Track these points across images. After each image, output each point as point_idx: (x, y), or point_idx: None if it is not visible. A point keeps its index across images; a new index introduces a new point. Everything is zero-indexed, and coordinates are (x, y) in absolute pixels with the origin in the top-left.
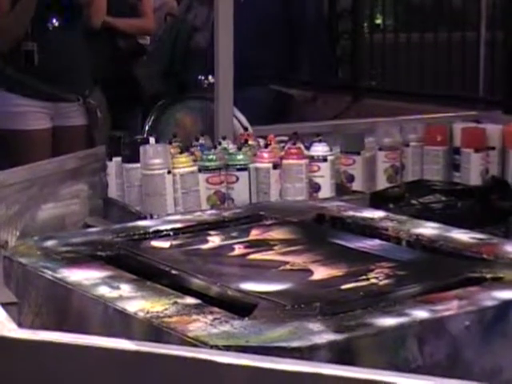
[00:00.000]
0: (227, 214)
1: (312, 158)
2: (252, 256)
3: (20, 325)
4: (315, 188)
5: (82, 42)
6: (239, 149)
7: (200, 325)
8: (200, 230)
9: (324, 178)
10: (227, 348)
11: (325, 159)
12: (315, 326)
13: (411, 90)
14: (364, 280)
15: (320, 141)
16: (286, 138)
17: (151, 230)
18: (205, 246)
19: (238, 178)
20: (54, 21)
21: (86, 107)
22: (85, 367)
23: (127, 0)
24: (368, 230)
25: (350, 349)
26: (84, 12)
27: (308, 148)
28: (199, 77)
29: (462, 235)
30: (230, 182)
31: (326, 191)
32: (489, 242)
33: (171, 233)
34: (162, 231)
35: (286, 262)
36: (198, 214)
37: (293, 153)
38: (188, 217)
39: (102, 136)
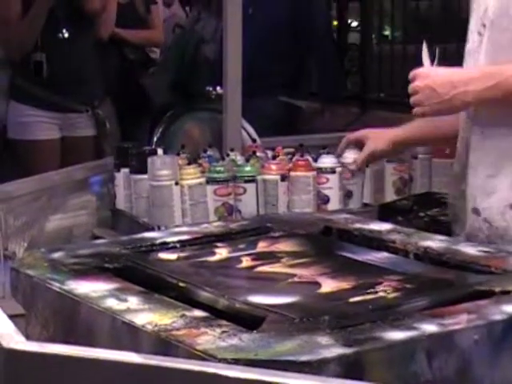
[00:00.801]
0: (234, 225)
1: (320, 170)
2: (259, 268)
3: (27, 337)
4: (324, 200)
5: (91, 53)
6: (247, 160)
7: (208, 338)
8: (207, 242)
9: (333, 189)
10: (236, 361)
11: (333, 171)
12: (324, 339)
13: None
14: (372, 293)
15: (328, 153)
16: (293, 150)
17: (158, 241)
18: (212, 259)
19: (245, 190)
20: (64, 32)
21: (94, 118)
22: (92, 380)
23: (137, 12)
24: (375, 242)
25: (359, 363)
26: (94, 23)
27: (316, 160)
28: (207, 88)
29: (469, 248)
30: (237, 194)
31: (334, 203)
32: (497, 255)
33: (178, 245)
34: (168, 243)
35: (294, 275)
36: (205, 225)
37: (300, 165)
38: (195, 229)
39: (111, 147)
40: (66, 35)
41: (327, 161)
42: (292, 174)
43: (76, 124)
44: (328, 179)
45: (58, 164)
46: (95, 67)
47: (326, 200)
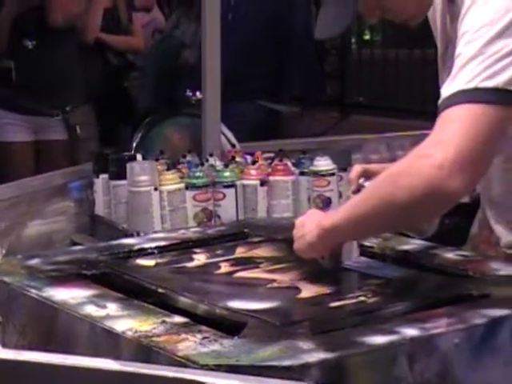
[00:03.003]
0: (212, 231)
1: (319, 173)
2: (238, 274)
3: (4, 345)
4: (326, 203)
5: (62, 60)
6: (226, 166)
7: (189, 344)
8: (185, 247)
9: (334, 191)
10: (218, 367)
11: (333, 173)
12: (305, 344)
13: (399, 105)
14: (352, 298)
15: (323, 155)
16: (272, 155)
17: (136, 247)
18: (190, 264)
19: (225, 195)
20: (31, 40)
21: (65, 123)
22: None
23: (119, 18)
24: None
25: (340, 367)
26: (66, 31)
27: (296, 165)
28: (187, 93)
29: (447, 253)
30: (217, 199)
31: (335, 205)
32: (475, 259)
33: (156, 251)
34: (146, 249)
35: (273, 280)
36: (183, 231)
37: (280, 169)
38: (173, 234)
39: (85, 152)
40: (35, 43)
41: (324, 163)
42: (271, 178)
43: (48, 128)
44: (329, 182)
45: (33, 167)
46: (70, 73)
47: (328, 202)
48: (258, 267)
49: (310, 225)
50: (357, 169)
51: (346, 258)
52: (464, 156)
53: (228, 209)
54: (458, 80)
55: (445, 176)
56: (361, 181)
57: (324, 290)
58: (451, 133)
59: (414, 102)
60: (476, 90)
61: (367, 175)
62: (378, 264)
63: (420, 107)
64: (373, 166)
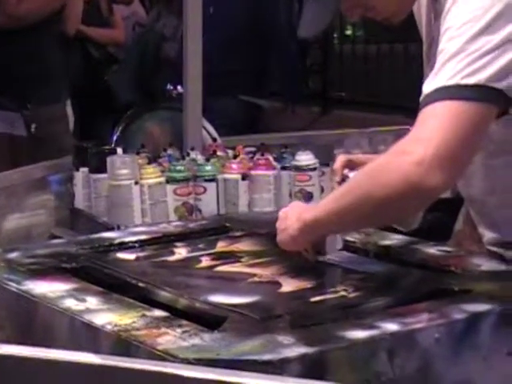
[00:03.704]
0: (193, 225)
1: (300, 168)
2: (219, 268)
3: None
4: (307, 197)
5: (25, 55)
6: (207, 160)
7: (169, 338)
8: (166, 241)
9: (315, 186)
10: (198, 361)
11: (314, 168)
12: (286, 338)
13: (381, 101)
14: (333, 292)
15: (304, 150)
16: (254, 149)
17: (117, 241)
18: (171, 258)
19: (205, 189)
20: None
21: (24, 118)
22: (50, 382)
23: (100, 11)
24: None
25: (321, 362)
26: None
27: (277, 159)
28: (168, 87)
29: (429, 248)
30: (198, 194)
31: (317, 200)
32: (456, 254)
33: (137, 245)
34: (127, 243)
35: (254, 274)
36: (164, 225)
37: (261, 164)
38: (153, 228)
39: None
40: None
41: (306, 158)
42: (253, 173)
43: (11, 122)
44: (310, 176)
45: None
46: (38, 67)
47: (310, 197)
48: (238, 261)
49: (292, 218)
50: (341, 159)
51: (329, 250)
52: (443, 153)
53: (209, 203)
54: (439, 76)
55: (423, 172)
56: (345, 171)
57: (305, 284)
58: (431, 129)
59: (397, 97)
60: (457, 86)
61: (351, 166)
62: (360, 259)
63: (402, 102)
64: (357, 157)
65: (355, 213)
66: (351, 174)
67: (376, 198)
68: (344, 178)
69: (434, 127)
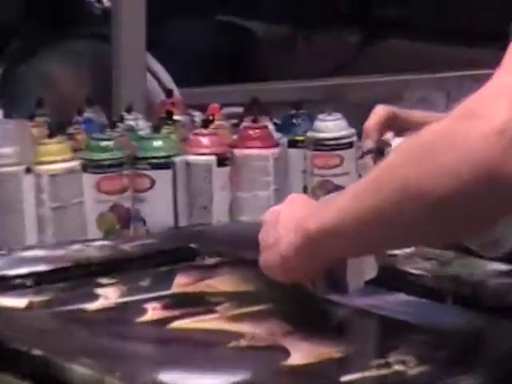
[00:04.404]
0: (131, 246)
1: (321, 145)
2: (178, 323)
3: None
4: None
5: None
6: (156, 129)
7: None
8: (83, 275)
9: (349, 176)
10: None
11: (349, 144)
12: None
13: (456, 26)
14: (381, 367)
15: (330, 113)
16: (241, 110)
17: None
18: (92, 306)
19: (153, 183)
20: None
21: None
22: None
23: None
24: (386, 274)
25: None
26: None
27: (280, 128)
28: None
29: None
30: (139, 190)
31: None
32: None
33: (30, 281)
34: (14, 278)
35: (241, 335)
36: (78, 247)
37: (253, 136)
38: (59, 252)
39: None
40: None
41: (334, 126)
42: (238, 153)
43: None
44: (342, 159)
45: None
46: None
47: None
48: (213, 311)
49: (286, 224)
50: (379, 113)
51: (353, 284)
52: None
53: (159, 207)
54: None
55: (508, 148)
56: (388, 135)
57: (329, 351)
58: None
59: (481, 21)
60: None
61: (397, 126)
62: (431, 306)
63: (491, 30)
64: (408, 113)
65: (392, 220)
66: (396, 141)
67: (428, 194)
68: (381, 149)
69: None
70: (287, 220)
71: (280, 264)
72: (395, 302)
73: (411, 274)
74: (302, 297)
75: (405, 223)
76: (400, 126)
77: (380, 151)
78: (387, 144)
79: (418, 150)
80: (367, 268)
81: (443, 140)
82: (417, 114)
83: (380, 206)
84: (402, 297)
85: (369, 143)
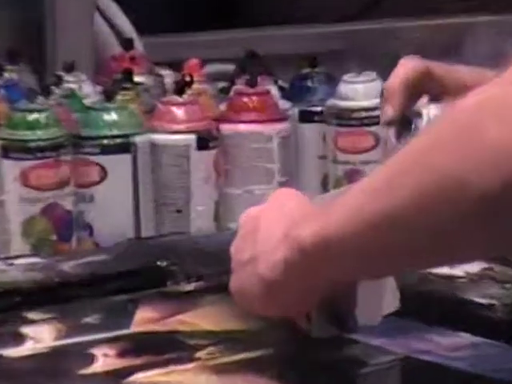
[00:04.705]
0: (73, 266)
1: (347, 118)
2: (140, 376)
3: None
4: None
5: None
6: (109, 97)
7: None
8: (4, 307)
9: None
10: None
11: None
12: None
13: None
14: None
15: (359, 71)
16: (232, 67)
17: None
18: (15, 352)
19: (105, 174)
20: None
21: None
22: None
23: None
24: (443, 305)
25: None
26: None
27: (288, 94)
28: None
29: None
30: (84, 185)
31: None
32: None
33: None
34: None
35: None
36: None
37: (249, 106)
38: None
39: None
40: None
41: (366, 90)
42: (227, 129)
43: None
44: (377, 138)
45: None
46: None
47: None
48: (190, 359)
49: (269, 233)
50: (407, 67)
51: (365, 317)
52: None
53: (113, 208)
54: None
55: None
56: (422, 101)
57: None
58: None
59: None
60: None
61: (432, 88)
62: (505, 351)
63: None
64: (450, 70)
65: (420, 226)
66: (428, 111)
67: (475, 187)
68: (407, 120)
69: None
70: (270, 227)
71: (258, 290)
72: (455, 346)
73: (479, 304)
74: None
75: (438, 229)
76: (437, 89)
77: (405, 123)
78: (417, 114)
79: (460, 126)
80: (386, 295)
81: (495, 111)
82: (463, 71)
83: (403, 207)
84: (465, 337)
85: (389, 111)
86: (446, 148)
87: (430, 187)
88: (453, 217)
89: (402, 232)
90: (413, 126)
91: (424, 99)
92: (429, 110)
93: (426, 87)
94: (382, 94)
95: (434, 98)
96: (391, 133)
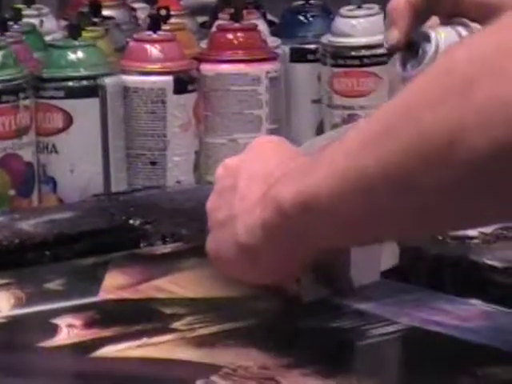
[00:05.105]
0: (33, 225)
1: (345, 57)
2: (109, 350)
3: None
4: None
5: None
6: (74, 32)
7: None
8: None
9: None
10: None
11: (425, 36)
12: None
13: None
14: None
15: (359, 3)
16: None
17: None
18: None
19: (70, 120)
20: None
21: None
22: None
23: None
24: (460, 266)
25: None
26: None
27: (279, 30)
28: None
29: None
30: (46, 133)
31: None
32: None
33: None
34: None
35: (215, 368)
36: None
37: (233, 43)
38: None
39: None
40: None
41: (366, 25)
42: (208, 69)
43: None
44: (379, 80)
45: None
46: None
47: None
48: (166, 330)
49: (247, 190)
50: None
51: (361, 277)
52: None
53: (79, 160)
54: None
55: None
56: (432, 22)
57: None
58: None
59: None
60: None
61: (443, 8)
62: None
63: None
64: None
65: (417, 185)
66: (439, 35)
67: (480, 144)
68: (414, 44)
69: None
70: (250, 183)
71: (235, 254)
72: (467, 315)
73: (492, 268)
74: (308, 303)
75: (428, 192)
76: (450, 8)
77: (412, 49)
78: (425, 37)
79: (450, 80)
80: (383, 251)
81: (487, 67)
82: None
83: (389, 168)
84: (478, 305)
85: (394, 34)
86: (433, 104)
87: (417, 147)
88: (442, 178)
89: (392, 191)
90: (420, 51)
91: (434, 20)
92: (439, 34)
93: (436, 6)
94: (385, 16)
95: (446, 20)
96: (394, 60)
